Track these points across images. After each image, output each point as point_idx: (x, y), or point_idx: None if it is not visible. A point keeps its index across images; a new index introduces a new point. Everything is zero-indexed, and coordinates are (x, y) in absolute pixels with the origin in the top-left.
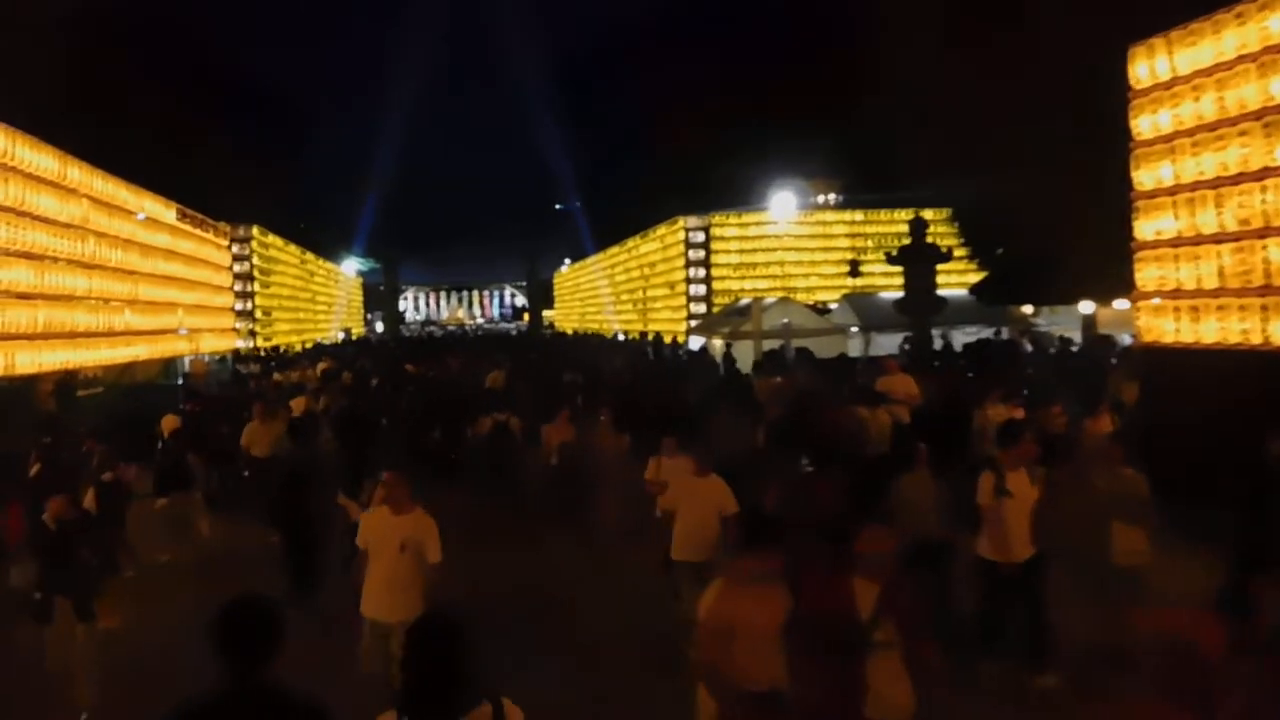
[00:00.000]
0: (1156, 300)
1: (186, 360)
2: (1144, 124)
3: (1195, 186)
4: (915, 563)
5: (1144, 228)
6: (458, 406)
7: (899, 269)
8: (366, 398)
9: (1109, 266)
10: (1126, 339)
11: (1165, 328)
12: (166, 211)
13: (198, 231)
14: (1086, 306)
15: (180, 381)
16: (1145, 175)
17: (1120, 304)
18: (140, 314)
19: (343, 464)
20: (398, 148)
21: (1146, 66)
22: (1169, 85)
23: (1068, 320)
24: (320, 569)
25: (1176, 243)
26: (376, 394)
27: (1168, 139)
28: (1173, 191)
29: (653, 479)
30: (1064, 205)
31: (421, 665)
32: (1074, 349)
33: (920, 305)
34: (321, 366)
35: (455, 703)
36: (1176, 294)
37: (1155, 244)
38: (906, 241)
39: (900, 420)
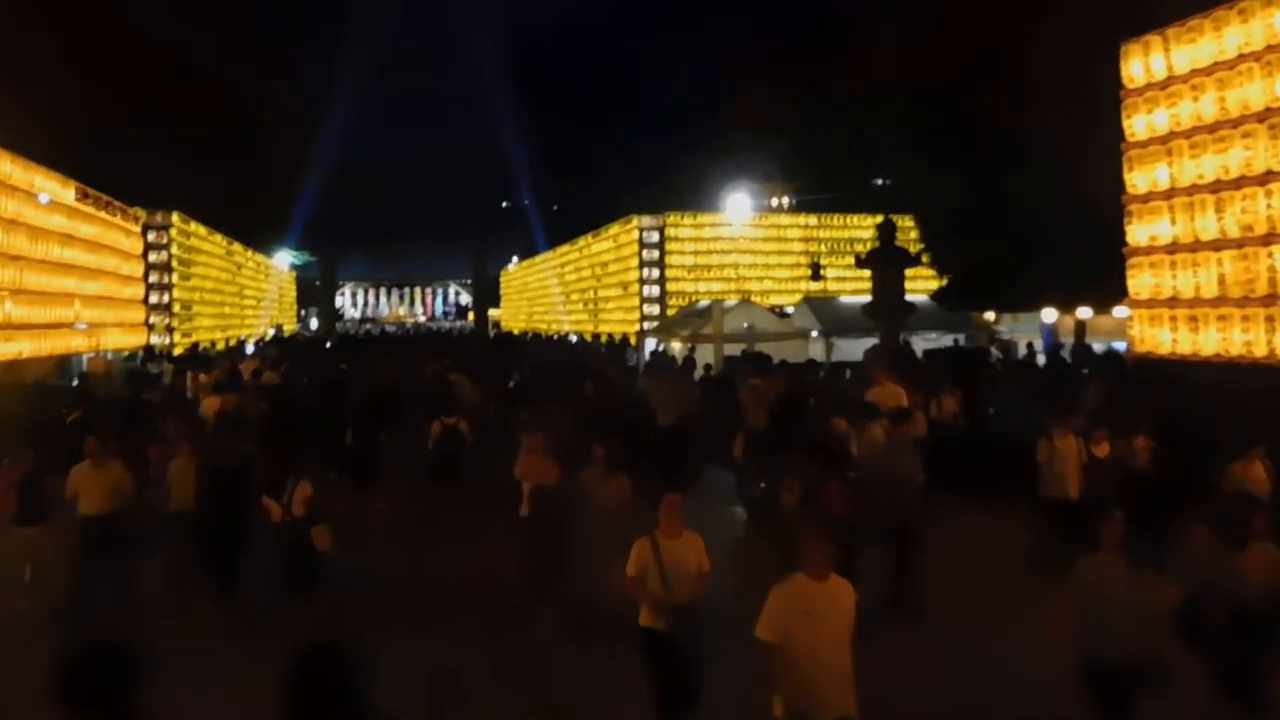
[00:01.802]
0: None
1: (85, 358)
2: (1138, 124)
3: (1193, 190)
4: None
5: (1137, 232)
6: (374, 407)
7: (855, 273)
8: (291, 399)
9: (1074, 273)
10: (1099, 347)
11: (1161, 338)
12: (64, 191)
13: (102, 215)
14: (1049, 314)
15: (75, 383)
16: (1139, 177)
17: (1083, 312)
18: (27, 305)
19: (266, 465)
20: (338, 137)
21: (1141, 64)
22: (1165, 84)
23: (1028, 327)
24: (240, 569)
25: (1173, 248)
26: (304, 395)
27: (1164, 140)
28: (1169, 195)
29: (638, 575)
30: (1030, 210)
31: (308, 698)
32: (1038, 356)
33: (889, 309)
34: (246, 365)
35: None
36: (1173, 302)
37: (1150, 249)
38: (863, 246)
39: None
